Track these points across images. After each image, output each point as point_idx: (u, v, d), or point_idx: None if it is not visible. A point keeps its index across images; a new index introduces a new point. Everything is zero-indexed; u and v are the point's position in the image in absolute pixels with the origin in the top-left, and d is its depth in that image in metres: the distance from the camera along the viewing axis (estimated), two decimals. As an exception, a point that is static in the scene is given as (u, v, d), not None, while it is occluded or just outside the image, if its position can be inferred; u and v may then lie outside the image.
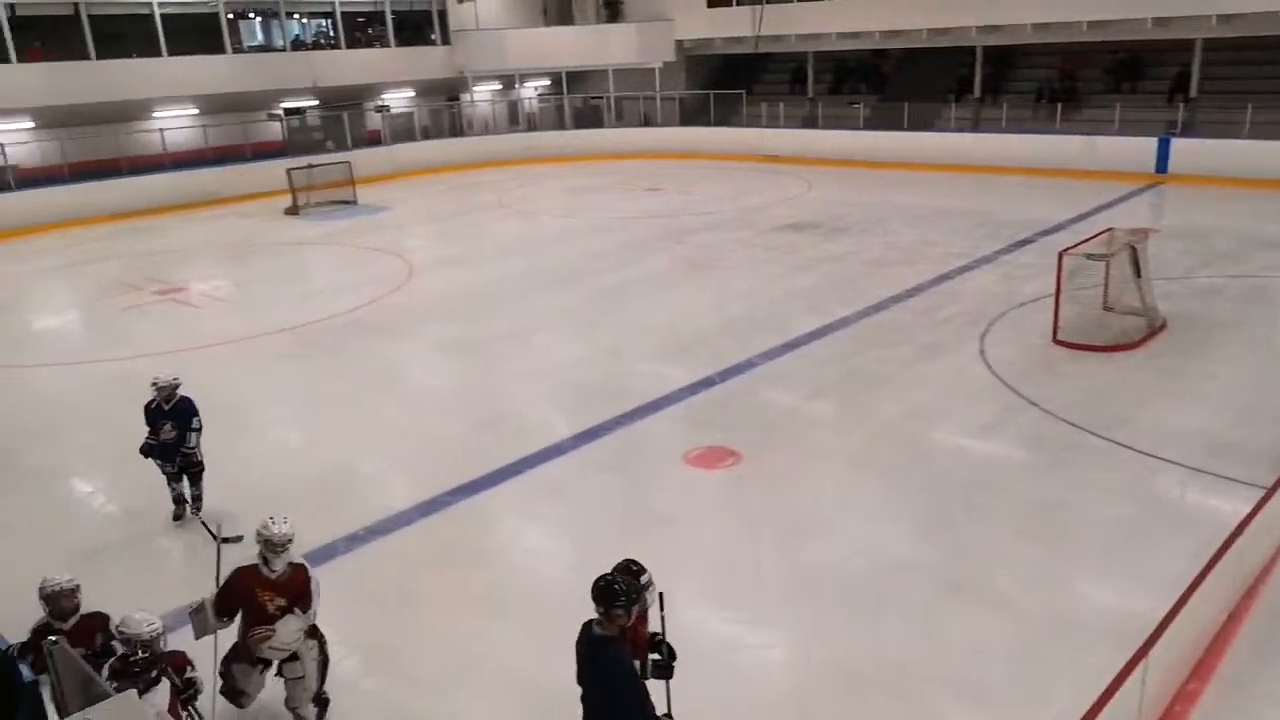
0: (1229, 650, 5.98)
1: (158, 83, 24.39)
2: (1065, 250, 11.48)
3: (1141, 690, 5.14)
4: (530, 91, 34.13)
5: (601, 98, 32.11)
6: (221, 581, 5.36)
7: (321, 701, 5.67)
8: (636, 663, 4.54)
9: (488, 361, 12.02)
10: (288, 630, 5.33)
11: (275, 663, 5.48)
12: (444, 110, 31.43)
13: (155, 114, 24.95)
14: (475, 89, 31.87)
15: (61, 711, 4.54)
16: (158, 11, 24.26)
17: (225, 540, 6.08)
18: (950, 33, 25.94)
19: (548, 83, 33.97)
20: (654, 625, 4.74)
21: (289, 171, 23.13)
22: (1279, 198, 19.20)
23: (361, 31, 29.57)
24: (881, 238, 17.81)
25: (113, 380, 11.70)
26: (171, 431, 7.97)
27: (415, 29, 30.47)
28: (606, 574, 4.59)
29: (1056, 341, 11.43)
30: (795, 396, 10.38)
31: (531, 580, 7.24)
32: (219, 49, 25.74)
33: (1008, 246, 16.52)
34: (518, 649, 6.25)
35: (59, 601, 4.94)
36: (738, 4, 28.82)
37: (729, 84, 30.65)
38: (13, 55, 22.15)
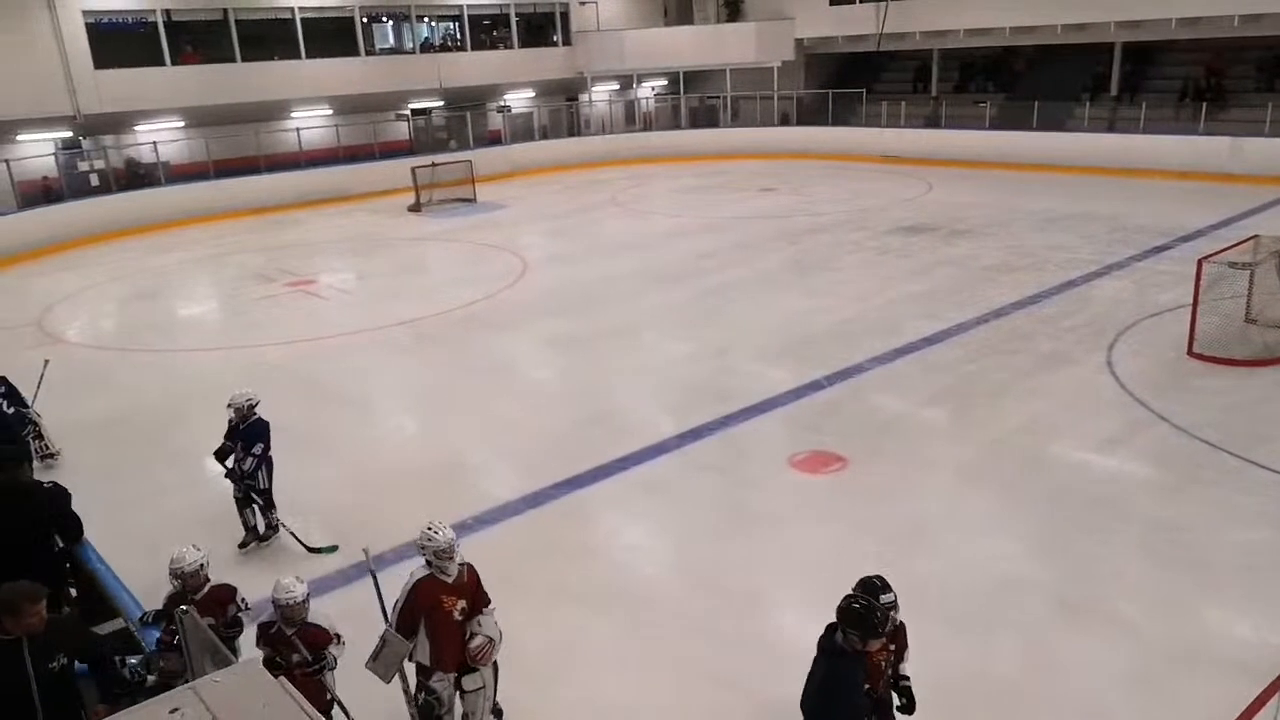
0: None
1: (296, 84, 25.67)
2: (1205, 258, 10.83)
3: (1273, 727, 4.82)
4: (647, 91, 34.35)
5: (718, 97, 32.05)
6: (394, 604, 5.14)
7: (497, 711, 5.55)
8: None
9: (596, 357, 12.17)
10: (494, 630, 5.21)
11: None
12: (562, 110, 31.98)
13: (293, 114, 26.25)
14: (594, 89, 32.28)
15: (191, 676, 4.84)
16: (298, 16, 25.52)
17: (315, 550, 6.16)
18: (1087, 29, 24.78)
19: (665, 82, 34.13)
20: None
21: (413, 170, 23.97)
22: None
23: (486, 34, 30.37)
24: (1004, 242, 17.18)
25: (247, 366, 12.39)
26: (242, 454, 7.76)
27: (537, 30, 31.11)
28: (859, 597, 4.46)
29: (1192, 354, 10.79)
30: (906, 403, 10.13)
31: (631, 577, 7.30)
32: (353, 52, 26.89)
33: (1142, 253, 15.70)
34: (616, 645, 6.31)
35: (187, 579, 5.21)
36: (860, 1, 28.27)
37: (849, 83, 30.12)
38: (168, 59, 23.69)
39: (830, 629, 4.47)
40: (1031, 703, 5.63)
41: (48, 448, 9.57)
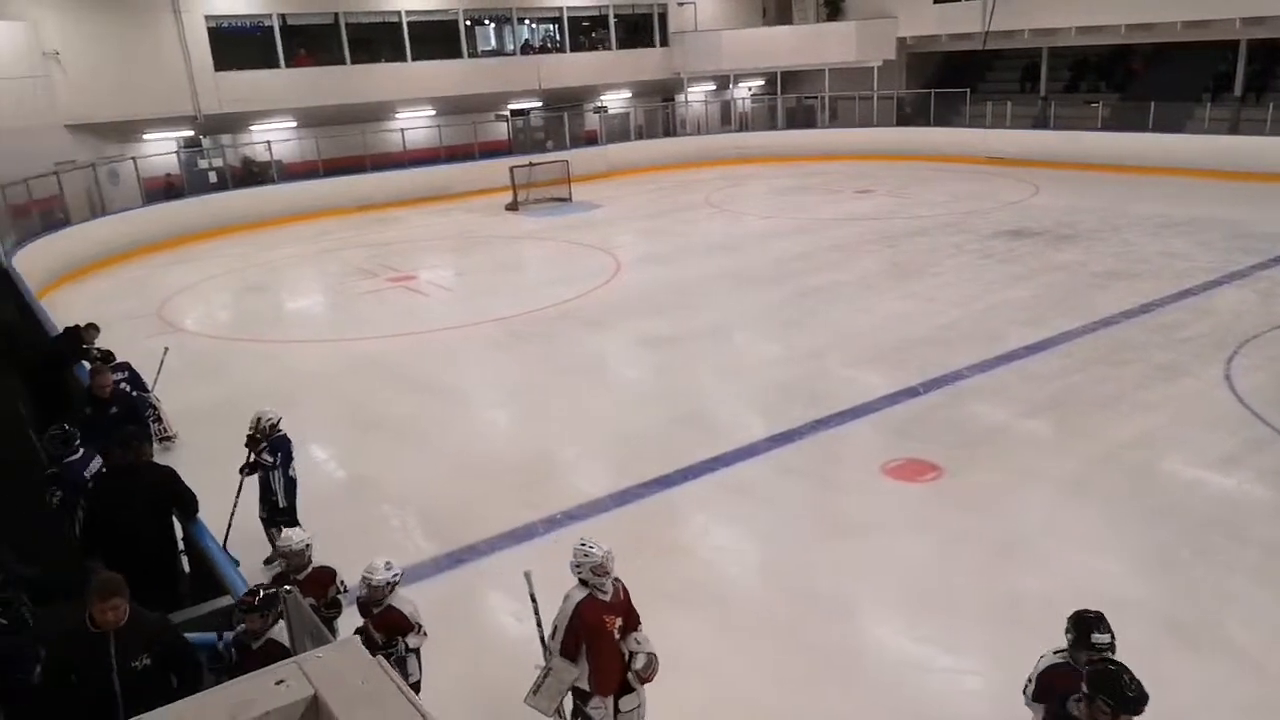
0: None
1: (402, 85, 26.44)
2: (1337, 267, 10.18)
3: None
4: (743, 92, 34.18)
5: (816, 97, 31.66)
6: (551, 630, 4.99)
7: None
8: None
9: (688, 358, 12.16)
10: (650, 645, 5.05)
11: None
12: (658, 110, 32.10)
13: (398, 114, 27.04)
14: (690, 89, 32.29)
15: (294, 651, 5.02)
16: (405, 19, 26.28)
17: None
18: (1210, 25, 23.59)
19: (762, 83, 33.90)
20: None
21: (511, 169, 24.41)
22: None
23: (585, 35, 30.71)
24: (1115, 248, 16.48)
25: (350, 358, 12.82)
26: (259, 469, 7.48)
27: (635, 31, 31.29)
28: (1108, 656, 4.03)
29: (1320, 369, 10.16)
30: (1006, 412, 9.81)
31: (718, 579, 7.27)
32: (456, 54, 27.55)
33: (1266, 261, 14.85)
34: (702, 646, 6.29)
35: (292, 558, 5.44)
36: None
37: (952, 82, 29.37)
38: (282, 61, 24.70)
39: (1054, 692, 4.05)
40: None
41: (165, 431, 10.08)
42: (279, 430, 7.49)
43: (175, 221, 22.06)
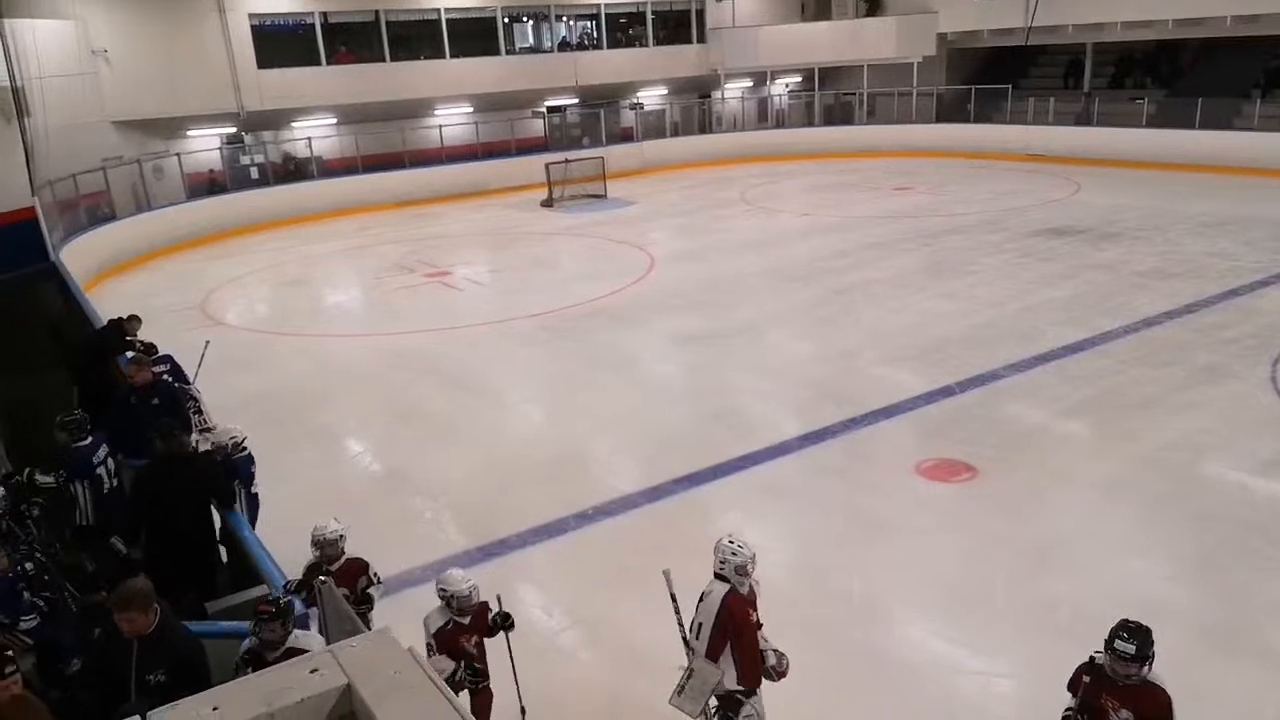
0: None
1: (440, 82, 26.65)
2: (1390, 268, 9.92)
3: None
4: (780, 88, 34.00)
5: (854, 94, 31.42)
6: (697, 630, 4.89)
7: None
8: None
9: (720, 355, 12.15)
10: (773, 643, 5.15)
11: None
12: (694, 107, 32.04)
13: (436, 111, 27.26)
14: (726, 86, 32.20)
15: (327, 641, 5.10)
16: (444, 16, 26.48)
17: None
18: (1261, 20, 23.03)
19: (799, 79, 33.70)
20: None
21: (547, 166, 24.51)
22: None
23: (622, 32, 30.72)
24: (1159, 247, 16.20)
25: (386, 353, 12.98)
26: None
27: (673, 28, 31.25)
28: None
29: (1370, 372, 9.92)
30: (1043, 413, 9.69)
31: (749, 575, 7.25)
32: (494, 51, 27.71)
33: (1316, 261, 14.51)
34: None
35: (326, 548, 5.50)
36: (1008, -6, 27.16)
37: (993, 78, 28.98)
38: (324, 58, 25.01)
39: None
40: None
41: (206, 423, 10.24)
42: (243, 449, 6.95)
43: (218, 217, 22.43)
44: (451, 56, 26.75)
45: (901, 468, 8.67)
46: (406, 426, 10.40)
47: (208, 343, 11.07)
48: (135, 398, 7.61)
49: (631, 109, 31.18)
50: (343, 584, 5.33)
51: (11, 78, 15.04)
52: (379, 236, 21.77)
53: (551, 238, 20.99)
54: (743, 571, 4.88)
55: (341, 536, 5.54)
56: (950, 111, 29.23)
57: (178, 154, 22.63)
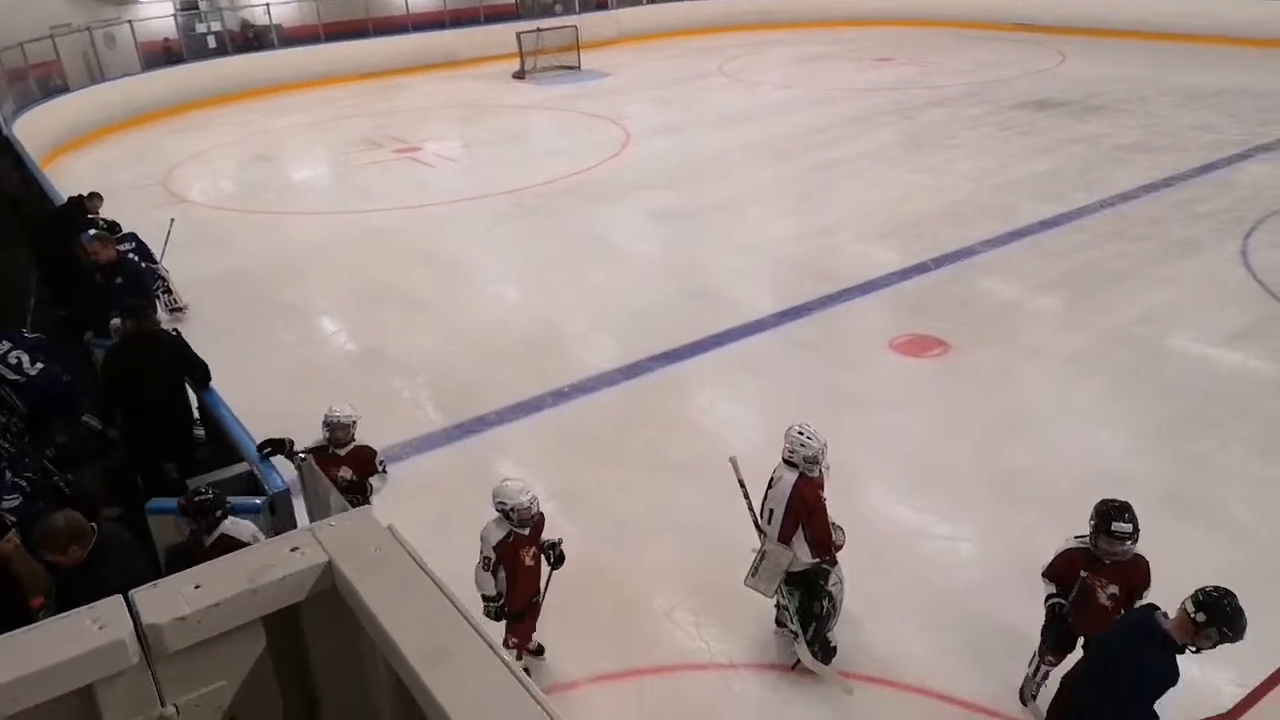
0: None
1: (402, -57, 25.30)
2: (1369, 141, 9.88)
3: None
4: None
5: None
6: (762, 512, 5.02)
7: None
8: None
9: (698, 232, 12.05)
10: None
11: None
12: (672, -29, 30.73)
13: (399, -25, 26.01)
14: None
15: (311, 519, 5.19)
16: None
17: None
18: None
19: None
20: None
21: (519, 35, 23.58)
22: None
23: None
24: (1141, 119, 16.00)
25: (357, 231, 12.75)
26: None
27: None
28: (1221, 588, 3.69)
29: (1340, 246, 10.01)
30: (1017, 288, 9.75)
31: (723, 450, 7.37)
32: (458, -91, 26.22)
33: (1296, 134, 14.43)
34: (706, 514, 6.46)
35: (337, 430, 5.40)
36: None
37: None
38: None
39: (1149, 607, 3.89)
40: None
41: (176, 302, 10.13)
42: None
43: (176, 87, 21.55)
44: (415, -86, 25.34)
45: (876, 343, 8.75)
46: (380, 305, 10.32)
47: (173, 221, 10.84)
48: (100, 276, 7.45)
49: (606, -27, 29.88)
50: (354, 470, 5.38)
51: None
52: (344, 110, 21.06)
53: (524, 111, 20.40)
54: (812, 461, 4.91)
55: (354, 421, 5.45)
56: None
57: (130, 21, 21.53)
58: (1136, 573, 4.33)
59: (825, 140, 15.91)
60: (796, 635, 5.06)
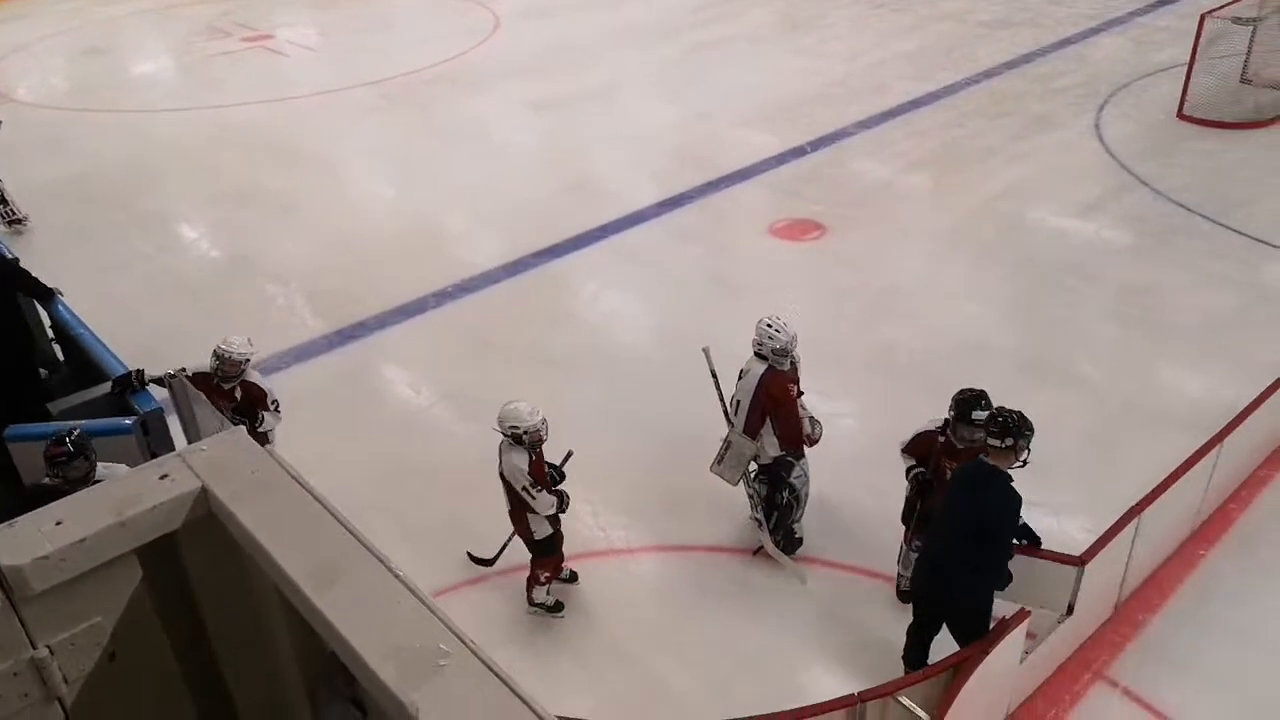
0: (1309, 446, 5.92)
1: None
2: (1209, 12, 10.34)
3: (1211, 473, 5.19)
4: None
5: None
6: (735, 406, 5.05)
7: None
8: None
9: (574, 121, 11.77)
10: (812, 411, 5.25)
11: None
12: None
13: None
14: None
15: (188, 440, 5.01)
16: None
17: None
18: None
19: None
20: None
21: (372, -92, 21.94)
22: None
23: None
24: (1004, -6, 16.25)
25: (211, 128, 11.94)
26: None
27: None
28: (1006, 409, 4.18)
29: (1181, 116, 10.57)
30: (888, 169, 9.98)
31: (609, 342, 7.47)
32: None
33: (1145, 7, 14.94)
34: (595, 406, 6.55)
35: (226, 365, 5.06)
36: None
37: None
38: None
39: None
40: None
41: (14, 213, 9.37)
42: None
43: (-15, -27, 19.31)
44: None
45: (755, 229, 8.87)
46: (245, 208, 9.79)
47: (0, 122, 9.91)
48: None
49: None
50: (239, 411, 5.12)
51: None
52: (185, -5, 19.36)
53: (384, -7, 19.18)
54: (781, 353, 4.96)
55: (246, 360, 5.11)
56: None
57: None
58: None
59: (699, 21, 15.59)
60: (760, 524, 5.23)
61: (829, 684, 4.52)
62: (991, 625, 4.18)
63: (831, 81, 12.59)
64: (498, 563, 5.28)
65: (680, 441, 6.03)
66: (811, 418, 5.22)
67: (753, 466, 5.22)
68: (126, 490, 1.60)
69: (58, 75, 15.03)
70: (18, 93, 13.83)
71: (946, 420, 4.60)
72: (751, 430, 5.03)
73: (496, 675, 1.27)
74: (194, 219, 9.75)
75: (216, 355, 5.08)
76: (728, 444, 5.10)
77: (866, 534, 5.42)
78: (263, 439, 5.05)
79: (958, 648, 4.20)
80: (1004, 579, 4.22)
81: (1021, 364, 6.81)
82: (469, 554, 5.34)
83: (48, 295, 5.68)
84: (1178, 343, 7.09)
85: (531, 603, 5.07)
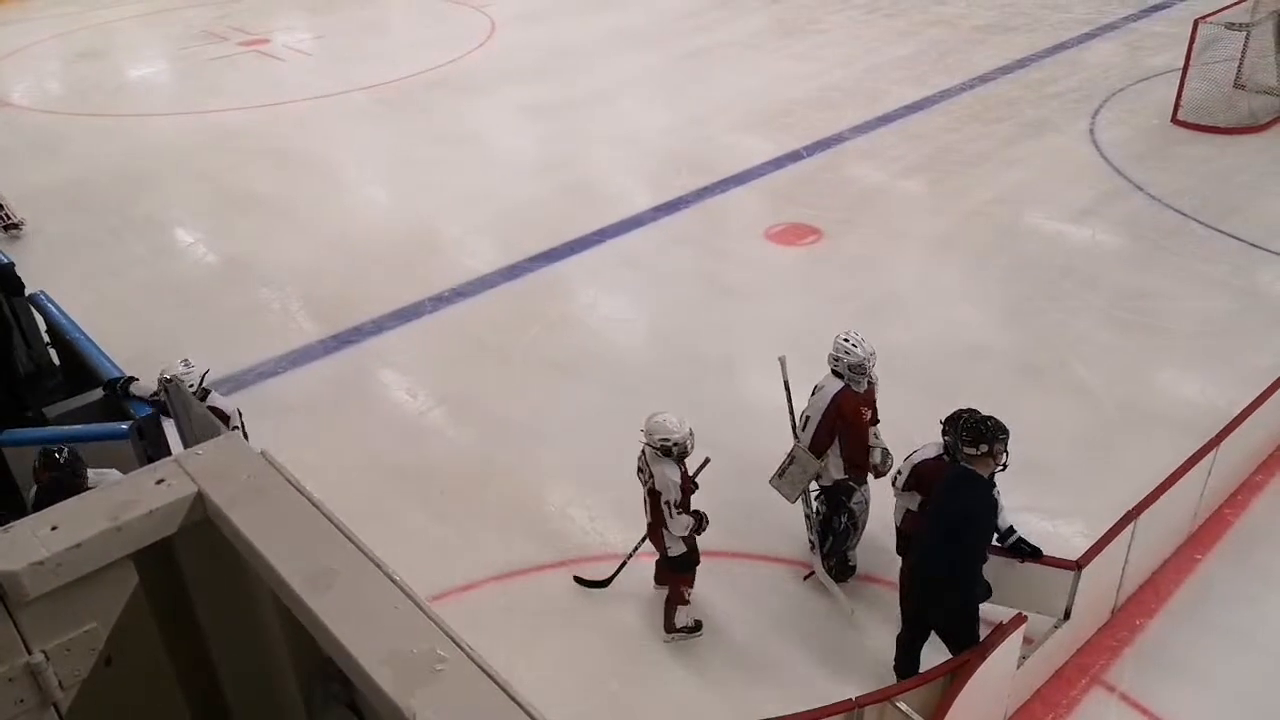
0: (1304, 449, 5.93)
1: None
2: (1202, 18, 10.38)
3: (1207, 478, 5.19)
4: None
5: None
6: (801, 418, 4.93)
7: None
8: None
9: (571, 126, 11.77)
10: (884, 442, 5.03)
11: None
12: None
13: None
14: None
15: (185, 445, 4.98)
16: None
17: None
18: None
19: None
20: None
21: (368, -87, 21.98)
22: None
23: None
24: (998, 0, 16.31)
25: (207, 133, 11.92)
26: None
27: None
28: (979, 414, 4.20)
29: (1175, 121, 10.61)
30: (884, 174, 10.00)
31: (606, 346, 7.47)
32: None
33: (1139, 13, 15.00)
34: (593, 409, 6.55)
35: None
36: None
37: None
38: None
39: (926, 483, 4.34)
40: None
41: (10, 218, 9.35)
42: None
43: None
44: None
45: (751, 233, 8.88)
46: (240, 213, 9.78)
47: (-5, 128, 9.90)
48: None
49: None
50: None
51: None
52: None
53: (380, -1, 19.20)
54: (858, 370, 4.75)
55: (200, 382, 4.81)
56: None
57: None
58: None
59: (695, 26, 15.62)
60: (813, 546, 5.06)
61: (826, 688, 4.51)
62: (984, 632, 4.18)
63: (826, 86, 12.62)
64: (499, 567, 5.27)
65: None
66: (884, 449, 4.97)
67: (814, 486, 5.04)
68: (122, 495, 1.60)
69: (53, 79, 15.02)
70: (13, 97, 13.82)
71: (946, 444, 4.41)
72: (818, 448, 4.82)
73: (494, 681, 1.26)
74: (190, 223, 9.74)
75: (161, 384, 4.83)
76: (791, 458, 4.89)
77: (865, 538, 5.42)
78: None
79: (950, 655, 4.20)
80: (980, 587, 4.18)
81: (1017, 368, 6.82)
82: (576, 578, 5.17)
83: (17, 289, 5.57)
84: (1173, 347, 7.11)
85: (671, 629, 4.83)
